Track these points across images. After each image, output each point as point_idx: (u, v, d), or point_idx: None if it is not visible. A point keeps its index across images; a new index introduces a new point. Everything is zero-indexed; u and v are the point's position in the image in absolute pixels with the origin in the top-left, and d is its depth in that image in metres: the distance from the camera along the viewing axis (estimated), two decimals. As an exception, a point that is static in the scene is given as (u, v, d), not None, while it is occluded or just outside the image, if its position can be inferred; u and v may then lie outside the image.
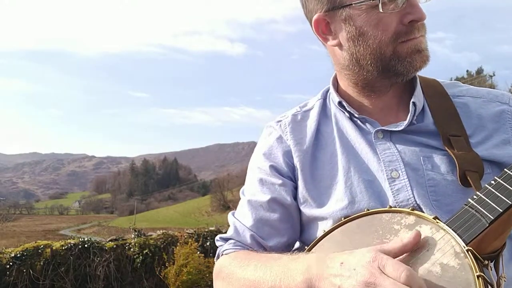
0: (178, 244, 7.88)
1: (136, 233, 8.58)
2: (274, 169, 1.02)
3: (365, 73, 0.96)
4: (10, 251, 7.65)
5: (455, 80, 1.10)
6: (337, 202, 0.93)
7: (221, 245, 1.03)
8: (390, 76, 0.94)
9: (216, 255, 1.04)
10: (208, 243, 8.52)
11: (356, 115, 0.99)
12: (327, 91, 1.10)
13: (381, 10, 0.87)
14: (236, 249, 0.98)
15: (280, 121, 1.09)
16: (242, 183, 1.11)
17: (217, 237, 1.05)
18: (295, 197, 1.00)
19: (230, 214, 1.06)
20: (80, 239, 8.18)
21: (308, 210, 0.97)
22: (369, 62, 0.93)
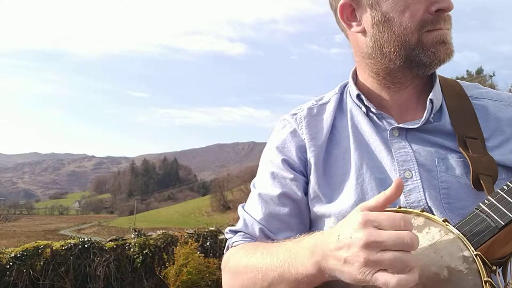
0: (178, 244, 7.88)
1: (136, 233, 8.59)
2: (287, 163, 1.01)
3: (387, 62, 0.93)
4: (10, 251, 7.66)
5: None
6: (347, 199, 0.91)
7: (230, 237, 1.02)
8: (412, 67, 0.92)
9: (226, 247, 1.03)
10: (208, 243, 8.53)
11: (373, 110, 0.97)
12: (345, 85, 1.09)
13: None
14: (245, 241, 0.97)
15: (295, 114, 1.07)
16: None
17: (227, 229, 1.04)
18: (306, 192, 0.98)
19: (240, 207, 1.05)
20: (80, 239, 8.19)
21: (318, 206, 0.95)
22: (392, 50, 0.91)
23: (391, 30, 0.89)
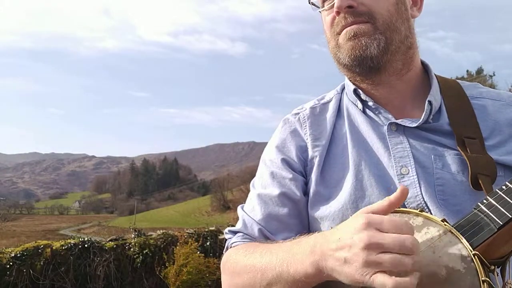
0: (178, 244, 7.88)
1: (136, 233, 8.59)
2: (286, 162, 1.01)
3: (342, 69, 1.00)
4: (10, 251, 7.66)
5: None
6: (347, 196, 0.92)
7: (230, 238, 1.02)
8: (350, 69, 0.97)
9: (225, 247, 1.03)
10: (208, 243, 8.53)
11: (370, 104, 0.99)
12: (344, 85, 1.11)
13: (320, 9, 0.99)
14: (244, 241, 0.97)
15: (298, 114, 1.08)
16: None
17: (226, 230, 1.05)
18: (305, 192, 0.98)
19: (239, 207, 1.05)
20: (80, 239, 8.19)
21: (319, 205, 0.95)
22: (335, 58, 0.99)
23: (327, 42, 1.00)
